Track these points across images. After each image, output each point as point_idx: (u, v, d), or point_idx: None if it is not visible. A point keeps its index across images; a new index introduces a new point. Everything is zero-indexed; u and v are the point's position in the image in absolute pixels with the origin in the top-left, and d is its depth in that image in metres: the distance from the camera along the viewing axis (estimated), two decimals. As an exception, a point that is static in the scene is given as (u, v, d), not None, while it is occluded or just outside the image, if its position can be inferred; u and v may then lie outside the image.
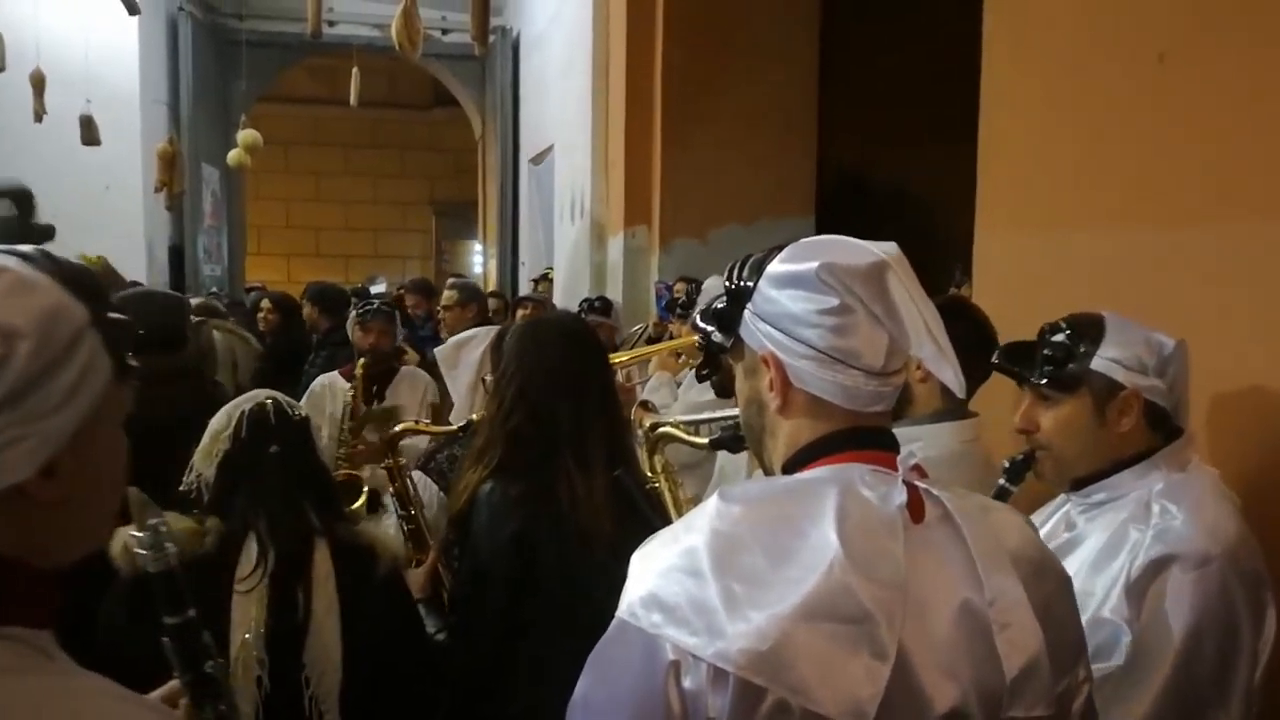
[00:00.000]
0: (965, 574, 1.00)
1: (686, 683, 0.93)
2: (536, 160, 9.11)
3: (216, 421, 1.80)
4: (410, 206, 16.33)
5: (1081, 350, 1.50)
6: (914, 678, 0.94)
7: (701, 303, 3.25)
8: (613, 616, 1.00)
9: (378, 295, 5.08)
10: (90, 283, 0.83)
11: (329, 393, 3.71)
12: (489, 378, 2.30)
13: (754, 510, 1.00)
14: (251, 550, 1.73)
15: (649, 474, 1.86)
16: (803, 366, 1.03)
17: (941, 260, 3.55)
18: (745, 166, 5.65)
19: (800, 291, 1.02)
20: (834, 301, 1.01)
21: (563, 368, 1.90)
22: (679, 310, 3.82)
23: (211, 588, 1.64)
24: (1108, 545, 1.48)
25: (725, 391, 2.51)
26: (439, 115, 15.30)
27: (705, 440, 1.77)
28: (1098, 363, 1.48)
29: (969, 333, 1.75)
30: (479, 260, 14.06)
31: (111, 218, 8.11)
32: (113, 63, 7.95)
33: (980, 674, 0.97)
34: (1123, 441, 1.50)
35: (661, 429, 1.86)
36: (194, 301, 4.86)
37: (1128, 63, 1.94)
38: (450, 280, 6.18)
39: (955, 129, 2.64)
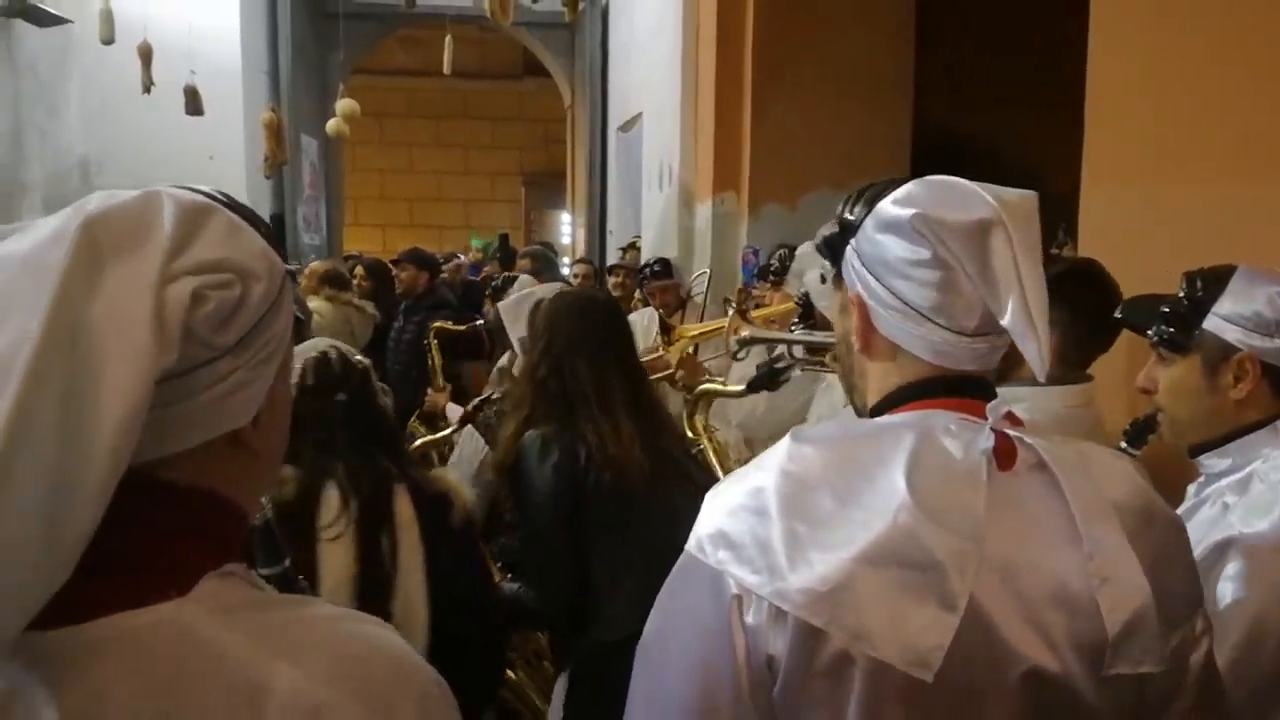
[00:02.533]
0: (1060, 525, 0.94)
1: (749, 618, 0.91)
2: (625, 128, 9.08)
3: None
4: (500, 177, 16.48)
5: (1196, 306, 1.39)
6: (995, 632, 0.90)
7: (795, 269, 3.20)
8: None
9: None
10: (265, 229, 0.82)
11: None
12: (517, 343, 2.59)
13: (825, 452, 0.97)
14: (332, 498, 1.73)
15: (691, 435, 1.89)
16: (889, 317, 1.00)
17: (1043, 220, 3.40)
18: (836, 130, 5.52)
19: (896, 238, 0.98)
20: (926, 254, 0.96)
21: (583, 330, 2.15)
22: (771, 276, 3.74)
23: (296, 536, 1.64)
24: (1209, 520, 1.37)
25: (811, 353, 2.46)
26: (528, 86, 15.37)
27: (741, 388, 1.77)
28: (1211, 321, 1.38)
29: (1097, 298, 1.67)
30: (567, 230, 14.13)
31: (216, 186, 8.31)
32: (215, 35, 8.15)
33: (1077, 630, 0.92)
34: (1240, 407, 1.39)
35: (699, 388, 1.87)
36: (321, 269, 5.08)
37: (1245, 6, 1.83)
38: (523, 250, 6.36)
39: (1052, 89, 2.54)
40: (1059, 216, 3.03)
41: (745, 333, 2.19)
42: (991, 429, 0.96)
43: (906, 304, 0.98)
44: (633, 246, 7.98)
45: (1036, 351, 0.95)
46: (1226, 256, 1.53)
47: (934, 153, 5.79)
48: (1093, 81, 2.20)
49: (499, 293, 4.09)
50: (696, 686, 0.95)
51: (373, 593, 1.71)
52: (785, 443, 0.99)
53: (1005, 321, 0.95)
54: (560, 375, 2.10)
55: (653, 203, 7.56)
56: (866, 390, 1.08)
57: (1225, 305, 1.38)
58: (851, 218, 1.05)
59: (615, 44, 9.69)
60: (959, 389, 1.01)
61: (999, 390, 1.03)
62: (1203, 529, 1.32)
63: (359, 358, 1.87)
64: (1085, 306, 1.65)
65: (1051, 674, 0.91)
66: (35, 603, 0.63)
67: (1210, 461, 1.43)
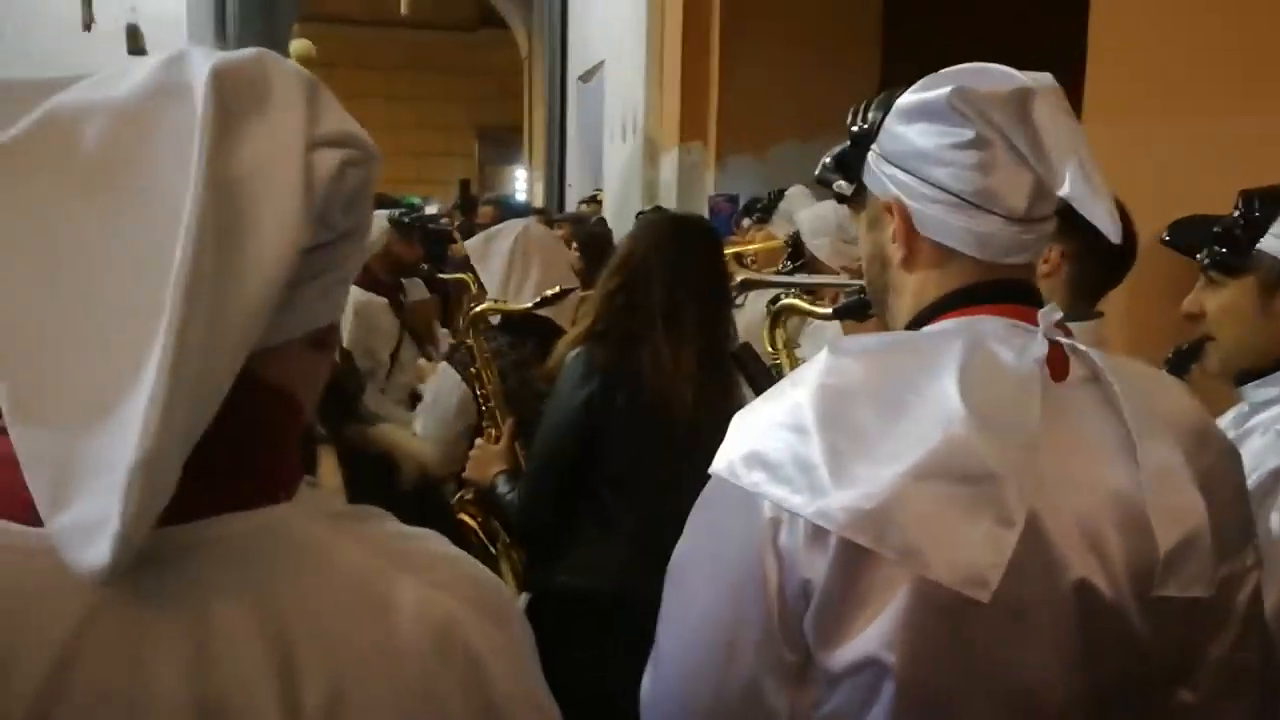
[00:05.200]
0: (1115, 438, 0.89)
1: (783, 541, 0.85)
2: (585, 78, 8.92)
3: None
4: (454, 131, 16.18)
5: (1252, 228, 1.33)
6: (1047, 546, 0.84)
7: (784, 209, 3.14)
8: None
9: (430, 216, 5.13)
10: None
11: (370, 311, 3.40)
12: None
13: (867, 363, 0.90)
14: None
15: (770, 349, 1.79)
16: (931, 212, 0.92)
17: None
18: (806, 80, 5.44)
19: (930, 124, 0.91)
20: (969, 133, 0.89)
21: (667, 250, 1.97)
22: (757, 214, 3.66)
23: None
24: (1262, 449, 1.31)
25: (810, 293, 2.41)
26: (483, 37, 15.08)
27: (828, 309, 1.68)
28: (1268, 242, 1.31)
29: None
30: (522, 185, 13.95)
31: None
32: (159, -27, 7.85)
33: (1129, 546, 0.86)
34: None
35: (782, 301, 1.77)
36: None
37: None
38: (485, 196, 6.34)
39: (1024, 45, 2.49)
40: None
41: (743, 276, 2.09)
42: (1044, 336, 0.90)
43: (949, 192, 0.91)
44: (594, 200, 7.87)
45: (1106, 212, 0.89)
46: (1235, 188, 1.49)
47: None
48: (1095, 18, 2.14)
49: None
50: (723, 616, 0.90)
51: None
52: (823, 356, 0.91)
53: (1065, 190, 0.88)
54: (631, 292, 1.94)
55: (615, 154, 7.44)
56: (900, 309, 1.01)
57: None
58: (865, 125, 0.98)
59: (575, -9, 9.51)
60: (1007, 294, 0.94)
61: None
62: (1256, 458, 1.27)
63: None
64: (1100, 238, 1.60)
65: (1101, 592, 0.86)
66: (170, 492, 0.56)
67: (1258, 391, 1.38)
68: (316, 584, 0.64)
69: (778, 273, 2.47)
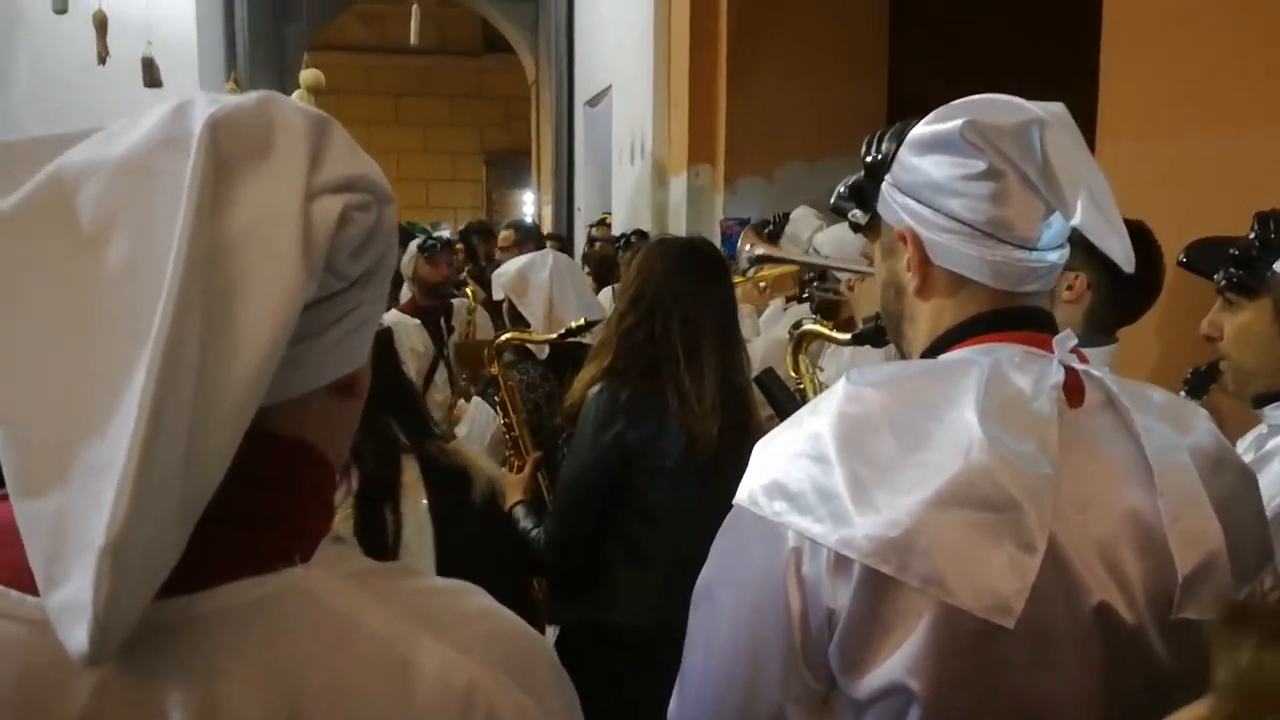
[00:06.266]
0: (1131, 463, 0.90)
1: (806, 571, 0.86)
2: (592, 102, 8.96)
3: None
4: (461, 156, 16.25)
5: (1267, 250, 1.34)
6: (1069, 572, 0.85)
7: (790, 232, 3.16)
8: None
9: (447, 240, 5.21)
10: None
11: (402, 331, 3.69)
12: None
13: (886, 392, 0.91)
14: None
15: (793, 374, 1.81)
16: (945, 242, 0.94)
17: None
18: (813, 103, 5.46)
19: (943, 156, 0.93)
20: (981, 165, 0.90)
21: (680, 281, 1.95)
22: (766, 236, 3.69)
23: None
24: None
25: (828, 314, 2.43)
26: (489, 62, 15.15)
27: (847, 336, 1.70)
28: None
29: (1140, 263, 1.63)
30: (530, 210, 13.99)
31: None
32: (171, 5, 7.91)
33: (1148, 570, 0.88)
34: None
35: (804, 327, 1.80)
36: None
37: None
38: (506, 221, 6.43)
39: (1031, 61, 2.51)
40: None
41: (760, 250, 2.11)
42: (1060, 363, 0.92)
43: (962, 222, 0.93)
44: (603, 223, 7.90)
45: (1119, 244, 0.90)
46: (1254, 206, 1.50)
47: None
48: (1109, 30, 2.15)
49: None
50: (746, 643, 0.91)
51: None
52: (841, 385, 0.93)
53: (1077, 220, 0.89)
54: (649, 328, 1.93)
55: (623, 177, 7.47)
56: (916, 337, 1.02)
57: None
58: (880, 156, 1.00)
59: (581, 16, 9.56)
60: (1022, 321, 0.96)
61: None
62: (1277, 483, 1.28)
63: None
64: (1126, 272, 1.60)
65: (1121, 616, 0.87)
66: (167, 566, 0.55)
67: (1277, 412, 1.39)
68: (334, 651, 0.62)
69: (802, 290, 2.49)
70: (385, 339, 1.78)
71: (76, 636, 0.52)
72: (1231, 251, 1.39)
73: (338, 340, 0.65)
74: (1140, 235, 1.69)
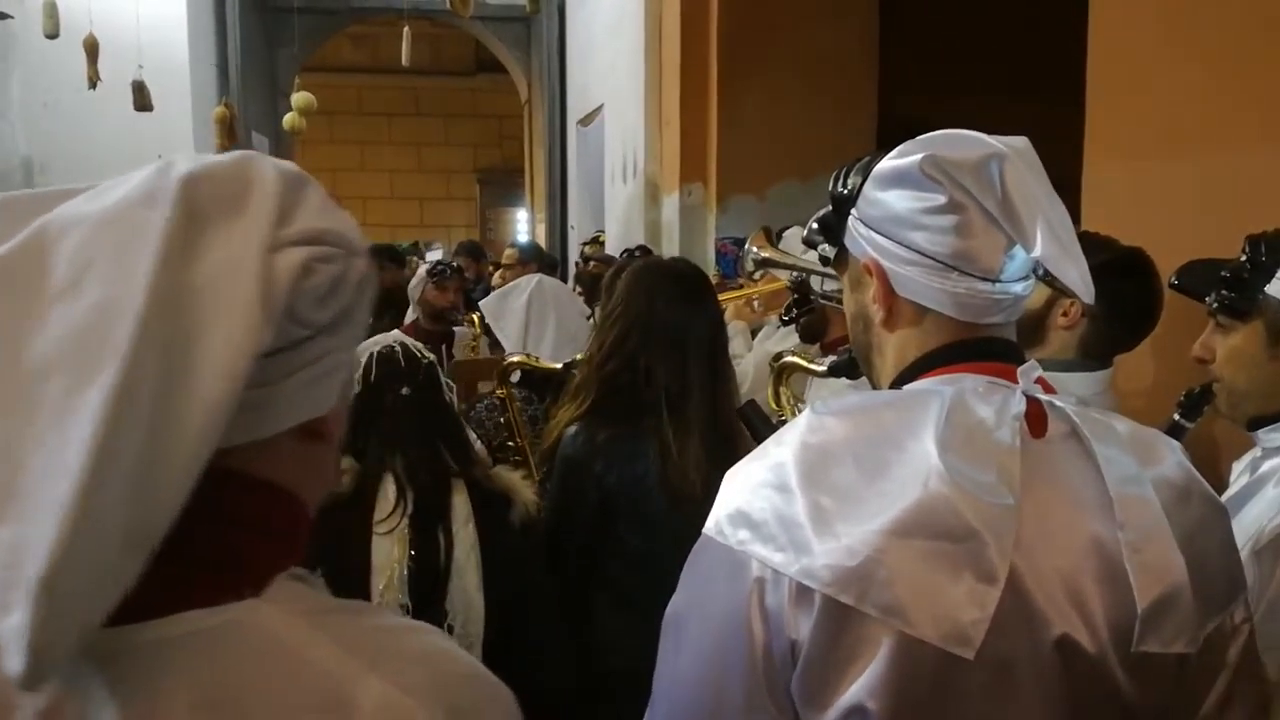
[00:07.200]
0: (1094, 493, 0.90)
1: (769, 601, 0.86)
2: (585, 122, 8.99)
3: None
4: (454, 175, 16.30)
5: (1258, 272, 1.33)
6: (1029, 602, 0.85)
7: (781, 250, 3.16)
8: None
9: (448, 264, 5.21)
10: None
11: None
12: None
13: (848, 421, 0.91)
14: (389, 490, 1.70)
15: (774, 406, 1.80)
16: (909, 274, 0.95)
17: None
18: (804, 121, 5.49)
19: (905, 190, 0.93)
20: (941, 198, 0.91)
21: (668, 319, 1.83)
22: (756, 258, 3.69)
23: (350, 527, 1.64)
24: (1276, 499, 1.31)
25: (812, 337, 2.42)
26: (482, 82, 15.21)
27: (824, 367, 1.70)
28: (1275, 287, 1.32)
29: (1137, 293, 1.62)
30: (524, 228, 14.01)
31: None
32: (162, 28, 7.92)
33: (1110, 602, 0.87)
34: None
35: (785, 359, 1.79)
36: None
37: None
38: (511, 241, 6.45)
39: (1020, 80, 2.52)
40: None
41: (766, 254, 2.10)
42: (1023, 392, 0.92)
43: (925, 255, 0.93)
44: (596, 241, 7.91)
45: (1079, 275, 0.91)
46: (1245, 229, 1.50)
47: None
48: (1094, 51, 2.16)
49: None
50: (710, 673, 0.91)
51: (425, 588, 1.67)
52: (805, 415, 0.94)
53: (1037, 251, 0.90)
54: (633, 372, 1.81)
55: (616, 196, 7.49)
56: (884, 368, 1.03)
57: None
58: (845, 190, 1.01)
59: (573, 36, 9.61)
60: (986, 352, 0.96)
61: None
62: (1273, 508, 1.27)
63: (424, 352, 1.83)
64: (1123, 301, 1.60)
65: (1084, 648, 0.86)
66: (112, 598, 0.57)
67: (1270, 435, 1.38)
68: (274, 683, 0.64)
69: (787, 312, 2.48)
70: (431, 369, 1.81)
71: (14, 662, 0.55)
72: (1223, 274, 1.38)
73: (305, 385, 0.67)
74: (1139, 262, 1.70)
